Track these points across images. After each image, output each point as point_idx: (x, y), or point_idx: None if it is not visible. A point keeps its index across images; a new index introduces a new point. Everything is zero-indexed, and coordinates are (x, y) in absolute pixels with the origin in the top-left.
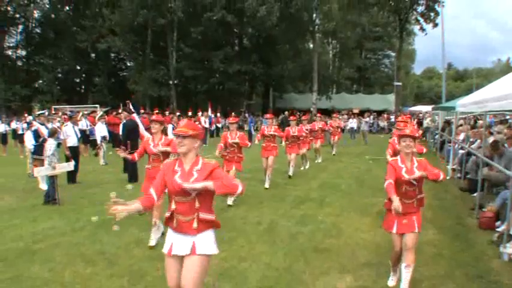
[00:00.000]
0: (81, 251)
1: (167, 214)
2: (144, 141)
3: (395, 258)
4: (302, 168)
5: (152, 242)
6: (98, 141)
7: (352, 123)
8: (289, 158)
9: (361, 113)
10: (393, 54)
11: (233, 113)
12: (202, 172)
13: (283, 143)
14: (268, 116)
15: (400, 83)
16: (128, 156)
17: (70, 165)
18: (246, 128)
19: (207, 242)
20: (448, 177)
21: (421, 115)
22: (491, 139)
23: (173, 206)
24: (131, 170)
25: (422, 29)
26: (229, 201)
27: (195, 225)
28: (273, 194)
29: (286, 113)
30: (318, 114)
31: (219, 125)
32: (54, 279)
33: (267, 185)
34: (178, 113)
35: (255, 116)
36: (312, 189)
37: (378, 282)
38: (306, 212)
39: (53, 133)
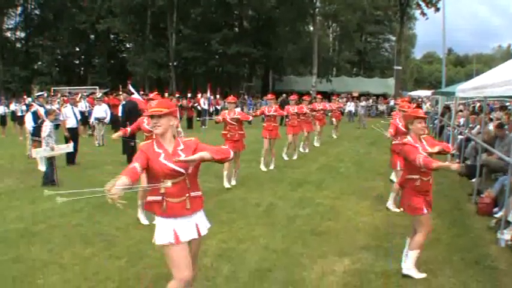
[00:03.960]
0: (80, 232)
1: (153, 199)
2: (139, 119)
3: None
4: (302, 150)
5: (145, 221)
6: (91, 122)
7: (350, 106)
8: (289, 140)
9: (361, 97)
10: (393, 38)
11: (231, 95)
12: (187, 150)
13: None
14: (269, 96)
15: (400, 67)
16: (120, 133)
17: (69, 147)
18: (245, 110)
19: (204, 221)
20: (446, 163)
21: (420, 100)
22: (490, 125)
23: (162, 190)
24: (130, 152)
25: (423, 14)
26: (233, 181)
27: (188, 205)
28: (272, 176)
29: (284, 95)
30: (318, 96)
31: (218, 107)
32: (53, 260)
33: (271, 167)
34: (177, 95)
35: (255, 98)
36: (311, 172)
37: (375, 265)
38: (305, 195)
39: (49, 114)
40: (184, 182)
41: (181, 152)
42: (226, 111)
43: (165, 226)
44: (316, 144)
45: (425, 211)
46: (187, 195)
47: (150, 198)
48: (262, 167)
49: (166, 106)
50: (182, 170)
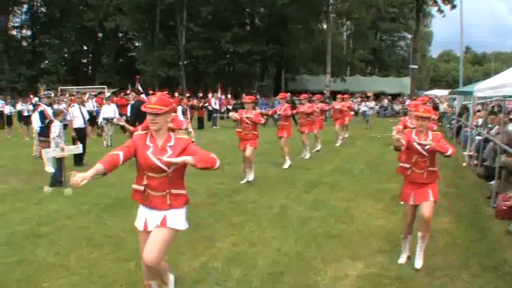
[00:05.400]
0: (87, 235)
1: (137, 187)
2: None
3: (406, 229)
4: (314, 150)
5: None
6: (99, 122)
7: (364, 106)
8: (302, 138)
9: (376, 97)
10: (409, 36)
11: (244, 94)
12: (175, 148)
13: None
14: (281, 96)
15: (415, 66)
16: (130, 127)
17: (78, 148)
18: (257, 110)
19: (177, 217)
20: (464, 164)
21: (436, 99)
22: (510, 126)
23: (145, 182)
24: None
25: (440, 11)
26: (250, 177)
27: (168, 201)
28: (284, 177)
29: (289, 94)
30: (339, 96)
31: (230, 107)
32: (59, 263)
33: (285, 166)
34: (188, 94)
35: (266, 98)
36: (324, 173)
37: (390, 269)
38: (318, 197)
39: (57, 114)
40: (166, 178)
41: (170, 149)
42: (244, 110)
43: (141, 213)
44: (337, 143)
45: (410, 202)
46: (167, 191)
47: (134, 186)
48: (288, 162)
49: (165, 104)
50: (165, 167)
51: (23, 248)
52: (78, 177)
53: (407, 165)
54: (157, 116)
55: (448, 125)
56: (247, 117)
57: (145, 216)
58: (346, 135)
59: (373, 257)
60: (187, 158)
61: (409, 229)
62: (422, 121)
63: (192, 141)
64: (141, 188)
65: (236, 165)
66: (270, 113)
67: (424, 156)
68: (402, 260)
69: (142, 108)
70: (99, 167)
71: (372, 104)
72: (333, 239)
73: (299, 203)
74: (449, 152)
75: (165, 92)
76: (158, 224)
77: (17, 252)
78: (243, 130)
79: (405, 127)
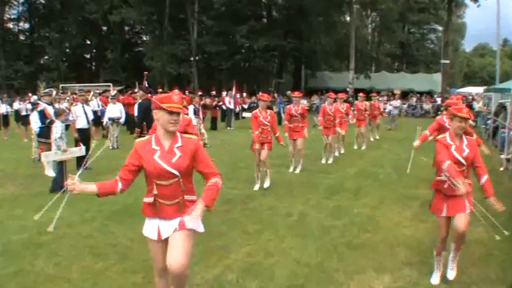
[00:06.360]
0: (90, 244)
1: (147, 200)
2: None
3: (440, 245)
4: (337, 154)
5: None
6: (104, 123)
7: (390, 105)
8: (326, 141)
9: (404, 95)
10: (440, 28)
11: (260, 92)
12: (184, 149)
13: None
14: (296, 94)
15: (447, 61)
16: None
17: (82, 150)
18: (275, 109)
19: (194, 219)
20: (501, 169)
21: (470, 97)
22: None
23: (155, 191)
24: None
25: (474, 0)
26: (266, 183)
27: (181, 209)
28: (304, 182)
29: (289, 92)
30: (362, 94)
31: (245, 106)
32: (60, 275)
33: (297, 171)
34: (200, 93)
35: (285, 96)
36: (347, 177)
37: (419, 283)
38: (340, 203)
39: (59, 114)
40: (177, 184)
41: (178, 151)
42: (257, 110)
43: (152, 222)
44: (363, 147)
45: (443, 213)
46: (180, 198)
47: (145, 200)
48: (297, 170)
49: (182, 102)
50: (176, 172)
51: (21, 258)
52: (76, 185)
53: (445, 178)
54: (179, 115)
55: (484, 126)
56: (264, 125)
57: (157, 225)
58: (377, 137)
59: (400, 270)
60: (201, 207)
61: (443, 245)
62: (465, 123)
63: (204, 142)
64: (152, 199)
65: (251, 169)
66: (286, 119)
67: (462, 165)
68: (435, 279)
69: (169, 108)
70: (93, 188)
71: (397, 102)
72: (356, 250)
73: (319, 210)
74: (484, 179)
75: (176, 90)
76: (177, 227)
77: (14, 263)
78: (261, 134)
79: (439, 128)
